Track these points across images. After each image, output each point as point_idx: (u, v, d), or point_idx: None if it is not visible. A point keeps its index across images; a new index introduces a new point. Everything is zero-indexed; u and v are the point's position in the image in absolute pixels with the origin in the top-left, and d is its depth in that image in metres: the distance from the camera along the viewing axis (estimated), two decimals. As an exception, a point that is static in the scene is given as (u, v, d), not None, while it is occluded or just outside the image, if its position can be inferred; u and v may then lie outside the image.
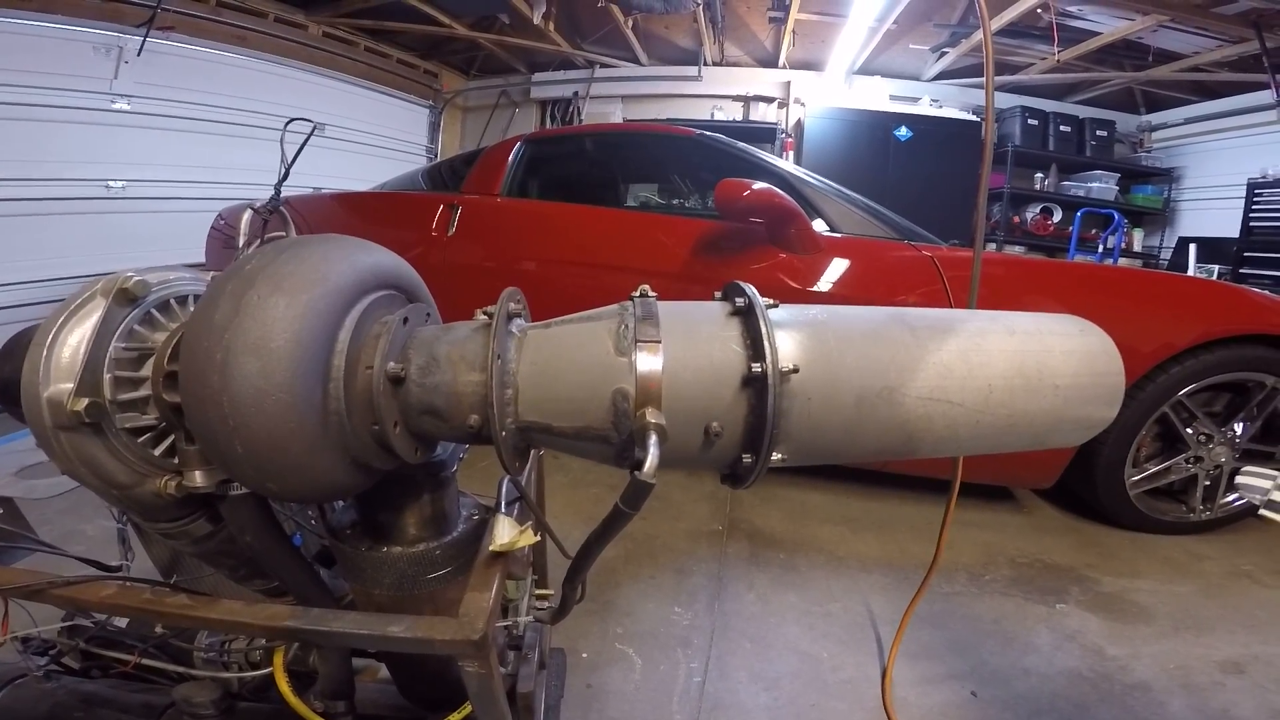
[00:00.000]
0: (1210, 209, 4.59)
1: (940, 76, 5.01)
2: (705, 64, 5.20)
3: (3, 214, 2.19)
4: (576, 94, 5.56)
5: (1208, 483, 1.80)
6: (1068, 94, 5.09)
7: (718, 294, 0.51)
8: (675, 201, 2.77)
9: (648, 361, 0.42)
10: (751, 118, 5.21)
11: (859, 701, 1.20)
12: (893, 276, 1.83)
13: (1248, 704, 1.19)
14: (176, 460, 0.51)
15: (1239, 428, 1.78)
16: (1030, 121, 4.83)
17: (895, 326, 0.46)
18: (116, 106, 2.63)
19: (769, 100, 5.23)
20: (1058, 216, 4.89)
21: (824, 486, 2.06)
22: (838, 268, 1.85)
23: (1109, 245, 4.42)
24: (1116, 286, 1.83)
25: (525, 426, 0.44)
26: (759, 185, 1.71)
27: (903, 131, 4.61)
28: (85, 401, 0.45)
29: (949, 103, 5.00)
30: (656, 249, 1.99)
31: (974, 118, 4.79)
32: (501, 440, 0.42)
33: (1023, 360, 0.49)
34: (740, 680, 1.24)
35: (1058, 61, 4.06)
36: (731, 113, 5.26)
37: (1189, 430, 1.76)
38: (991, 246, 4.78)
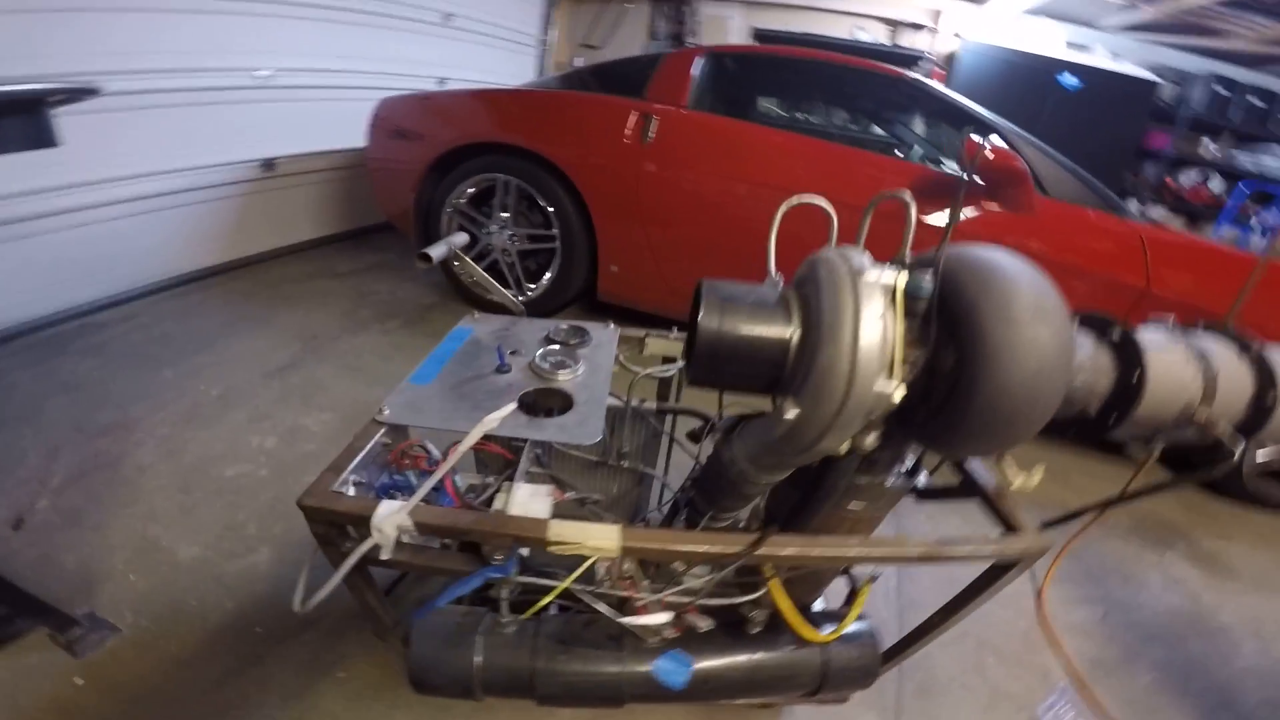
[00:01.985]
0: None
1: (1122, 29, 4.51)
2: (845, -21, 4.78)
3: (153, 105, 2.23)
4: (692, -7, 5.17)
5: (1317, 471, 1.89)
6: (1262, 64, 4.55)
7: (1201, 323, 0.65)
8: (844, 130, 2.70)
9: (1212, 383, 0.59)
10: (898, 42, 4.84)
11: (1020, 611, 1.41)
12: (1097, 247, 1.85)
13: (1302, 654, 1.46)
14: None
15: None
16: (1218, 89, 4.41)
17: None
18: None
19: (917, 27, 4.82)
20: (1216, 185, 4.59)
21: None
22: (1046, 231, 1.87)
23: (1266, 222, 4.14)
24: None
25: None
26: (1000, 145, 1.75)
27: (1070, 80, 4.22)
28: (904, 390, 0.48)
29: (1128, 58, 4.53)
30: (867, 187, 2.00)
31: (1156, 79, 4.35)
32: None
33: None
34: (926, 585, 1.46)
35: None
36: (875, 34, 4.88)
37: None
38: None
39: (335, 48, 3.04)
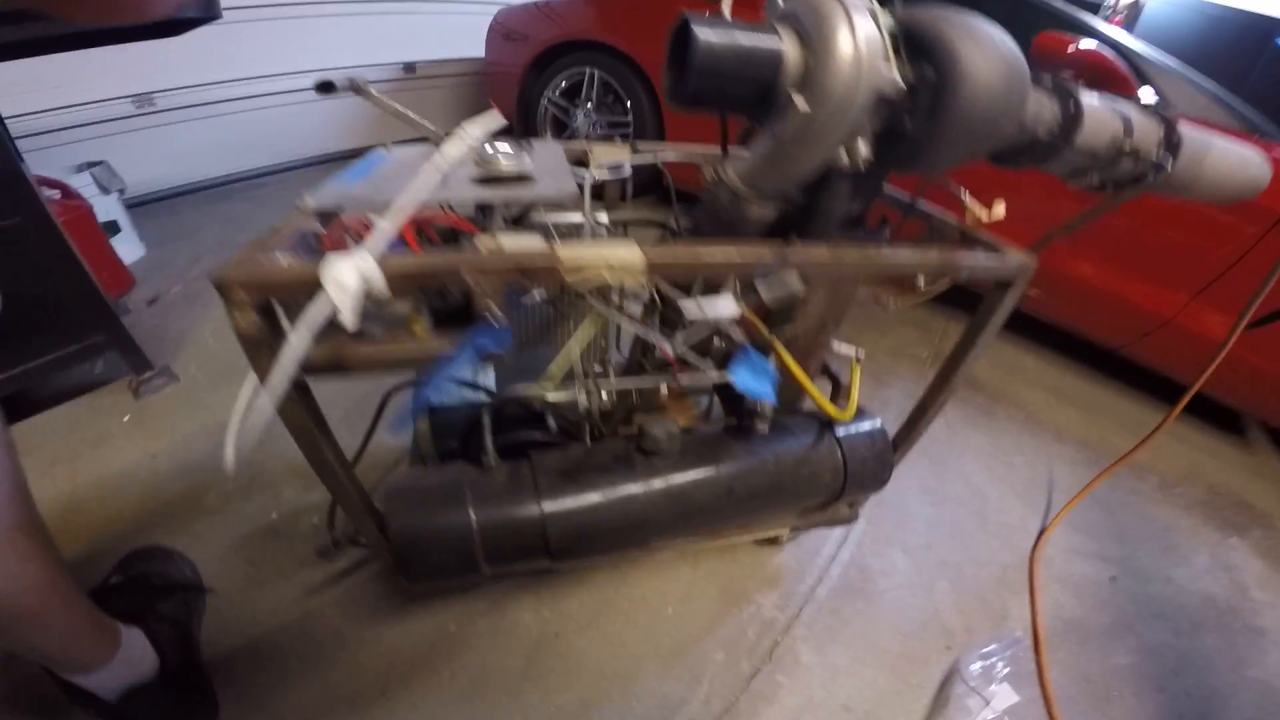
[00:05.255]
0: None
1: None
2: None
3: (317, 14, 2.69)
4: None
5: None
6: None
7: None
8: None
9: (1129, 123, 0.69)
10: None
11: (1010, 545, 1.28)
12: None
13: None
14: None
15: None
16: None
17: None
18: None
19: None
20: None
21: (1039, 351, 2.06)
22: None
23: None
24: None
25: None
26: (1086, 43, 1.57)
27: (1294, 43, 3.48)
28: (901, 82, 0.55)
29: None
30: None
31: None
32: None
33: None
34: (910, 489, 1.38)
35: None
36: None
37: None
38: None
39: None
